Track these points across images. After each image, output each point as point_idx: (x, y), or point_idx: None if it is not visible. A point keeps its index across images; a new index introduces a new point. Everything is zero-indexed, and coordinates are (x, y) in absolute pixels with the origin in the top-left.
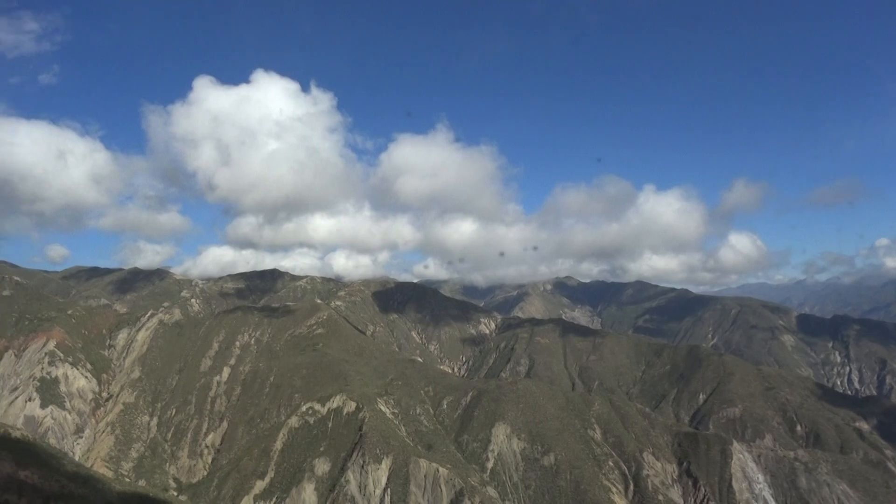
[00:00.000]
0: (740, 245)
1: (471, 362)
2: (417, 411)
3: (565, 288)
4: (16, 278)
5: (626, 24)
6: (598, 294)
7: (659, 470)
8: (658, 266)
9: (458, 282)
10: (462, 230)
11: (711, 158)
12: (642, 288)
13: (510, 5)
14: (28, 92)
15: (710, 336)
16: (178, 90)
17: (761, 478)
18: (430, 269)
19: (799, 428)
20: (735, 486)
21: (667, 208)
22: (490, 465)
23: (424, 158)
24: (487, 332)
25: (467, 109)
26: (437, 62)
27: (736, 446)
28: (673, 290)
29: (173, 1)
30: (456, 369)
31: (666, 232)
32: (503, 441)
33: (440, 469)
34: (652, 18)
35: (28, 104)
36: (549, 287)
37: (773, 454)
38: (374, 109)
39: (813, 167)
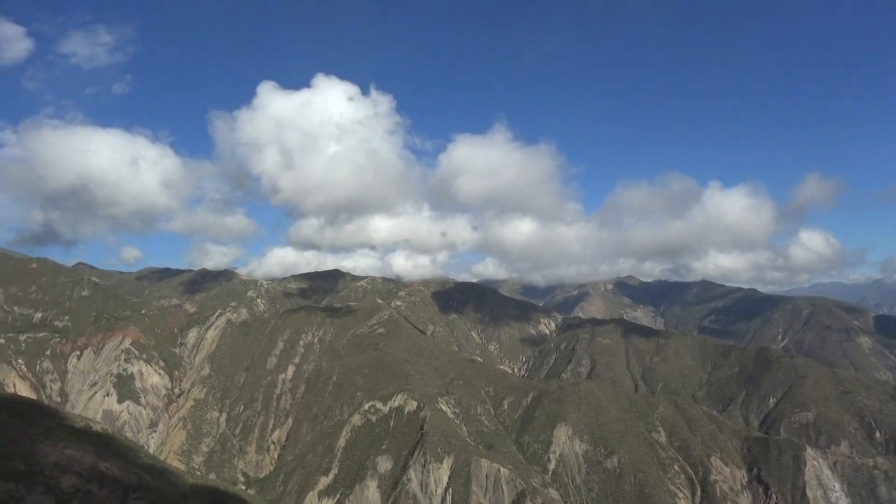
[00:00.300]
0: (812, 243)
1: (531, 362)
2: (478, 411)
3: (627, 287)
4: (94, 279)
5: (688, 17)
6: (660, 294)
7: (727, 475)
8: (724, 265)
9: (517, 281)
10: (521, 230)
11: (782, 153)
12: (707, 287)
13: (568, 1)
14: (103, 101)
15: (779, 337)
16: (243, 96)
17: (837, 486)
18: (489, 269)
19: (878, 434)
20: (809, 493)
21: (733, 205)
22: (552, 466)
23: (483, 158)
24: (547, 332)
25: (526, 108)
26: (496, 61)
27: (810, 452)
28: (740, 289)
29: (238, 10)
30: (516, 369)
31: (732, 230)
32: (565, 442)
33: (501, 469)
34: (717, 10)
35: (103, 113)
36: (609, 287)
37: (851, 461)
38: (432, 110)
39: (891, 161)
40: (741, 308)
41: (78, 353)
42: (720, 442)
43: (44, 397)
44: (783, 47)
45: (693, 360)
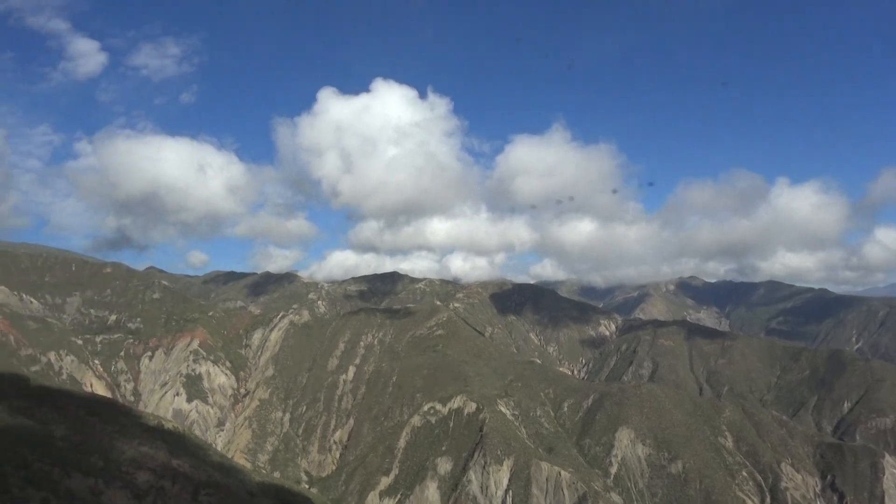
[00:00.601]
0: (889, 240)
1: (591, 364)
2: (538, 413)
3: (689, 288)
4: (164, 283)
5: (749, 7)
6: (725, 294)
7: (799, 483)
8: (792, 264)
9: (575, 282)
10: (580, 230)
11: (854, 148)
12: (775, 288)
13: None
14: (171, 111)
15: (853, 339)
16: (304, 102)
17: None
18: (548, 270)
19: None
20: (888, 503)
21: (802, 202)
22: (614, 470)
23: (541, 159)
24: (607, 333)
25: (584, 107)
26: (553, 60)
27: (889, 460)
28: (810, 289)
29: (297, 18)
30: (575, 371)
31: (801, 228)
32: (627, 446)
33: (562, 472)
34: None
35: (171, 122)
36: (671, 287)
37: None
38: (489, 112)
39: None
40: (811, 309)
41: (150, 353)
42: (791, 448)
43: (118, 396)
44: (854, 32)
45: (760, 363)
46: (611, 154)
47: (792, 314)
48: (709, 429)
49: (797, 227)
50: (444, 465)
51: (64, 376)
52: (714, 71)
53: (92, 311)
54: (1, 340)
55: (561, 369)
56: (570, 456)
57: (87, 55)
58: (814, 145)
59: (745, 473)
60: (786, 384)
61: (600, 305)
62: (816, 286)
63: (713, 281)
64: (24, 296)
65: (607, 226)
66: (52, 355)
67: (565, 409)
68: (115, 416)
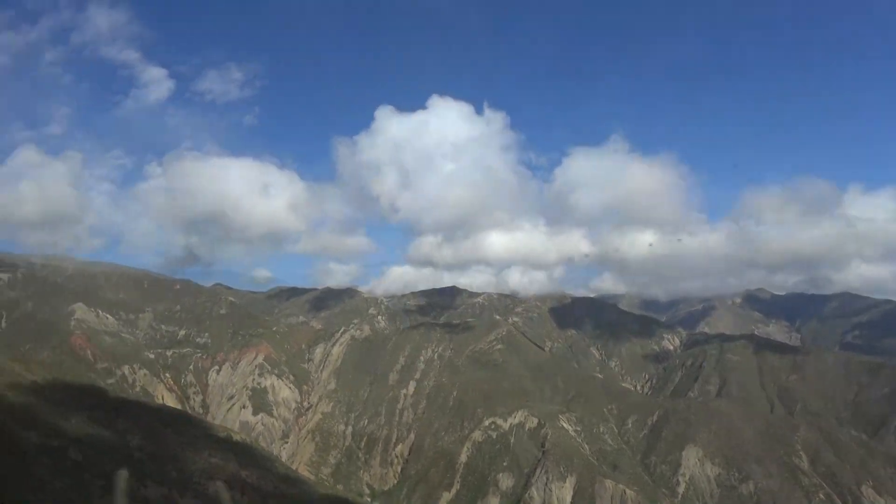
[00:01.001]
0: None
1: (654, 380)
2: (601, 430)
3: (757, 301)
4: (230, 299)
5: (814, 6)
6: (795, 307)
7: None
8: (870, 275)
9: (636, 296)
10: (640, 242)
11: None
12: (850, 300)
13: (683, 5)
14: (235, 133)
15: None
16: (363, 121)
17: None
18: (607, 283)
19: None
20: None
21: (879, 209)
22: (681, 489)
23: (599, 171)
24: (671, 347)
25: (643, 118)
26: (609, 72)
27: None
28: (889, 301)
29: (355, 38)
30: (638, 387)
31: (879, 237)
32: (695, 465)
33: (627, 491)
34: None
35: (235, 144)
36: (737, 300)
37: None
38: (546, 125)
39: None
40: (891, 322)
41: (217, 367)
42: (872, 469)
43: (188, 408)
44: None
45: (836, 379)
46: (672, 164)
47: (868, 328)
48: (782, 448)
49: (873, 236)
50: (506, 481)
51: (137, 389)
52: (779, 73)
53: (162, 326)
54: (80, 355)
55: (624, 384)
56: (636, 474)
57: (157, 82)
58: (889, 149)
59: (822, 496)
60: (864, 402)
61: (663, 319)
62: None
63: (782, 293)
64: (101, 312)
65: (669, 237)
66: (126, 369)
67: (629, 425)
68: (186, 427)
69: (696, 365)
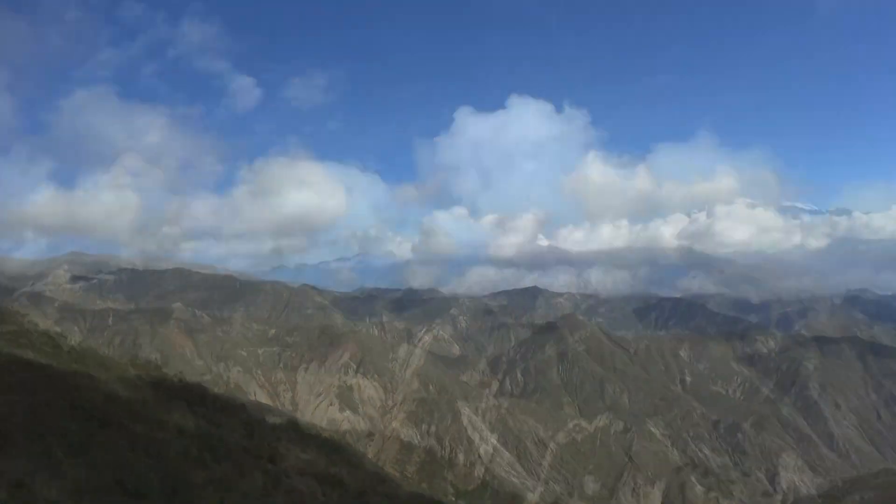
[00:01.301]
0: None
1: (747, 384)
2: (690, 434)
3: (859, 302)
4: (317, 299)
5: None
6: None
7: None
8: None
9: (726, 296)
10: (732, 240)
11: None
12: None
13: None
14: (319, 138)
15: None
16: (442, 122)
17: None
18: (695, 283)
19: None
20: None
21: None
22: (779, 498)
23: (686, 166)
24: (765, 350)
25: (733, 112)
26: (696, 66)
27: None
28: None
29: (433, 40)
30: (730, 391)
31: None
32: (794, 473)
33: (720, 499)
34: None
35: (320, 148)
36: (838, 301)
37: None
38: (629, 121)
39: None
40: None
41: (305, 365)
42: None
43: (278, 405)
44: None
45: None
46: (764, 158)
47: None
48: (893, 459)
49: None
50: (591, 485)
51: (231, 385)
52: (879, 63)
53: (254, 325)
54: (179, 352)
55: (714, 388)
56: (728, 481)
57: (247, 91)
58: None
59: None
60: None
61: (755, 320)
62: None
63: (888, 294)
64: (197, 311)
65: (762, 234)
66: (220, 366)
67: (721, 430)
68: (278, 423)
69: (793, 369)
